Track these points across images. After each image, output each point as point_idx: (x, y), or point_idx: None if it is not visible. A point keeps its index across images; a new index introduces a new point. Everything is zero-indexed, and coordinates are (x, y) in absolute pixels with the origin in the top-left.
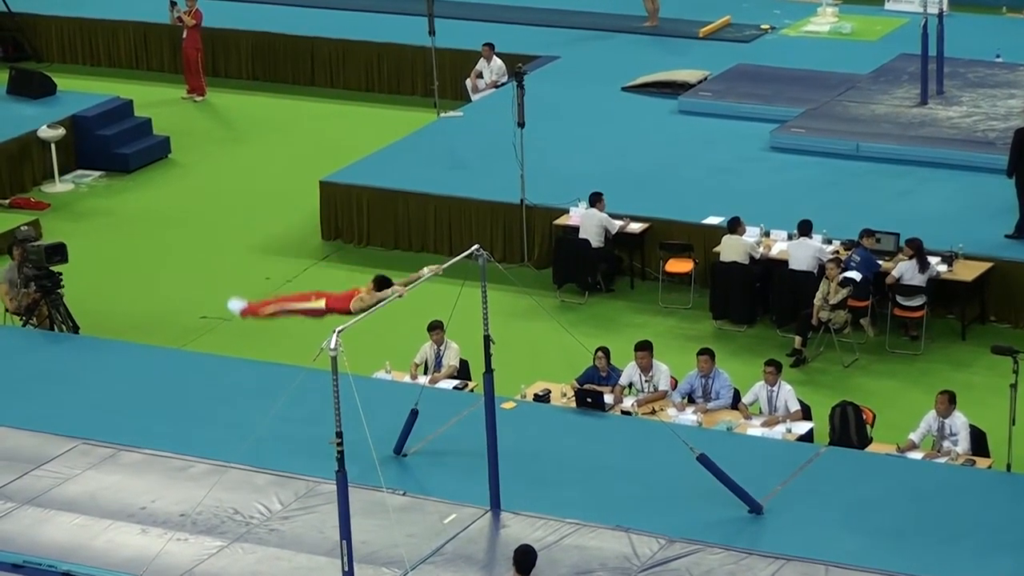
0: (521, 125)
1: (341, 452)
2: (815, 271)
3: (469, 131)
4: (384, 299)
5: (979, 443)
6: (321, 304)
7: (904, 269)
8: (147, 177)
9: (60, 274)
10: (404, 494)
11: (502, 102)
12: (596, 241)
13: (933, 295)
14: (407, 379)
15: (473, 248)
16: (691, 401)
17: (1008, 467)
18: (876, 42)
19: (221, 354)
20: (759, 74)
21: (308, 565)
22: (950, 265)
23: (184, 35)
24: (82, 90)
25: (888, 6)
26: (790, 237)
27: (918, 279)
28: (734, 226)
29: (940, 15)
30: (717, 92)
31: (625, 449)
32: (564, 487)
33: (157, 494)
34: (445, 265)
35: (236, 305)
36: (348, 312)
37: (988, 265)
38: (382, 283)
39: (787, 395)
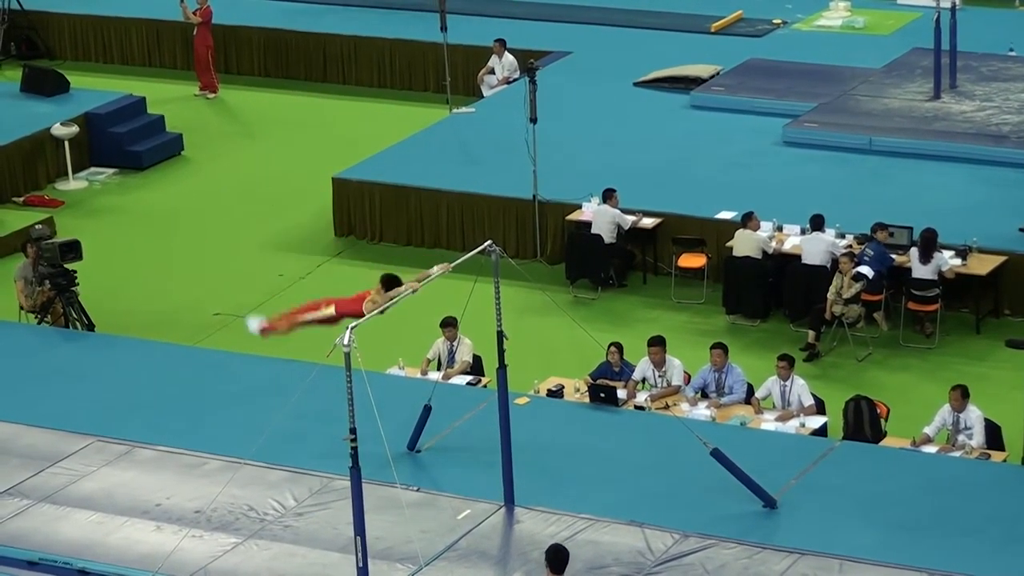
0: (533, 121)
1: (355, 448)
2: (828, 265)
3: (481, 127)
4: (396, 297)
5: (994, 437)
6: (331, 311)
7: (912, 260)
8: (160, 174)
9: (75, 272)
10: (418, 490)
11: (514, 98)
12: (609, 236)
13: (946, 289)
14: (420, 375)
15: (486, 244)
16: (704, 396)
17: (1023, 460)
18: (889, 36)
19: (235, 351)
20: (771, 69)
21: (322, 561)
22: (964, 259)
23: (195, 32)
24: (95, 87)
25: (901, 0)
26: (803, 231)
27: (922, 271)
28: (747, 221)
29: (953, 9)
30: (729, 87)
31: (638, 444)
32: (578, 482)
33: (172, 491)
34: (457, 262)
35: (254, 324)
36: (360, 315)
37: (1002, 259)
38: (390, 282)
39: (800, 389)
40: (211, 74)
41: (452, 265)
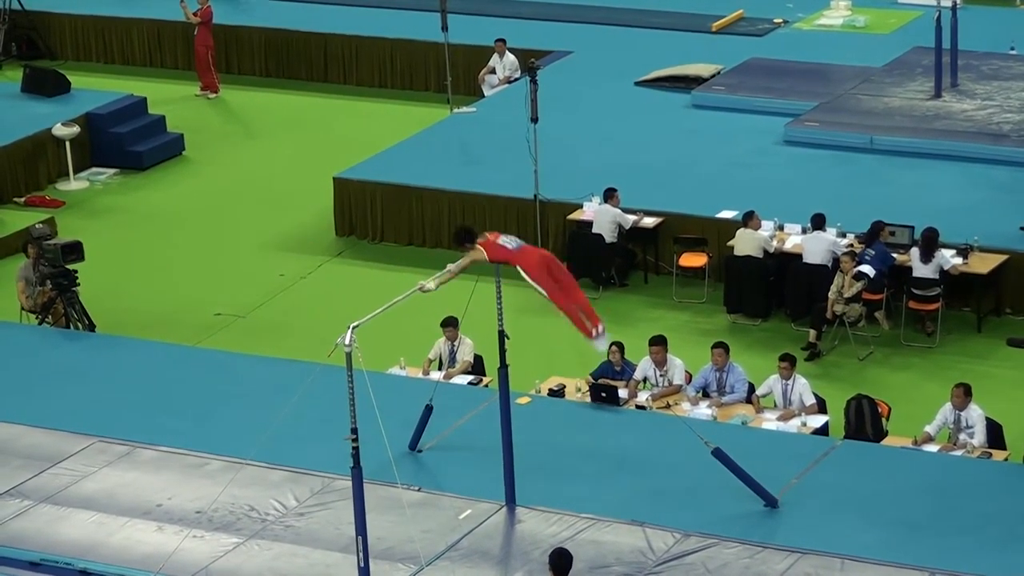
0: (534, 120)
1: (356, 448)
2: (829, 264)
3: (482, 127)
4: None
5: (995, 435)
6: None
7: (913, 259)
8: (161, 174)
9: (76, 272)
10: (419, 490)
11: (515, 97)
12: (610, 236)
13: (947, 288)
14: (421, 375)
15: None
16: (706, 395)
17: None
18: (890, 35)
19: (236, 351)
20: (772, 68)
21: (324, 561)
22: (965, 258)
23: (195, 32)
24: (96, 88)
25: None
26: (804, 231)
27: (923, 270)
28: (748, 220)
29: (954, 8)
30: (730, 86)
31: (640, 443)
32: (579, 482)
33: (173, 491)
34: (464, 265)
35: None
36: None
37: (1003, 257)
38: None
39: (802, 389)
40: (212, 74)
41: (460, 267)
